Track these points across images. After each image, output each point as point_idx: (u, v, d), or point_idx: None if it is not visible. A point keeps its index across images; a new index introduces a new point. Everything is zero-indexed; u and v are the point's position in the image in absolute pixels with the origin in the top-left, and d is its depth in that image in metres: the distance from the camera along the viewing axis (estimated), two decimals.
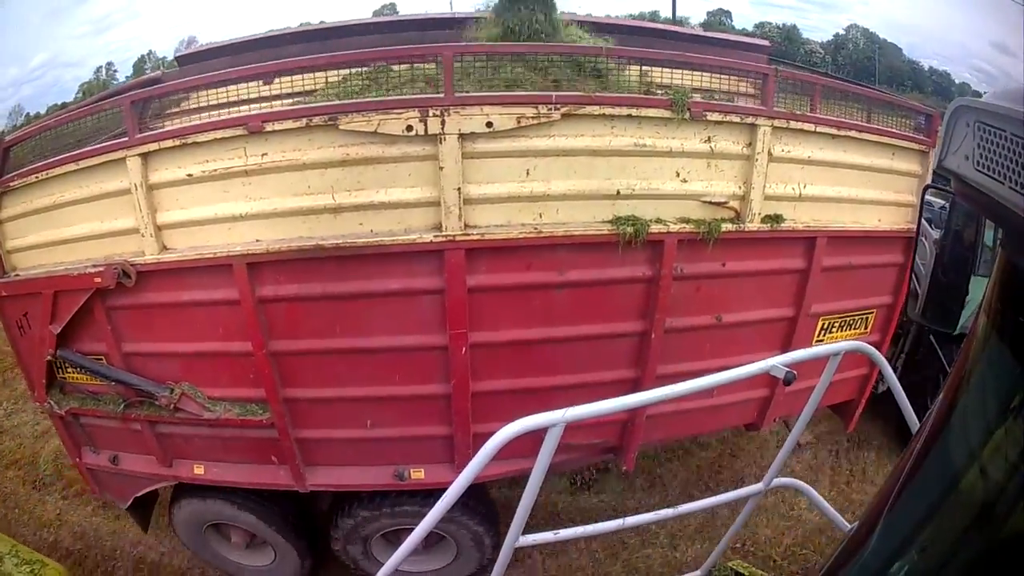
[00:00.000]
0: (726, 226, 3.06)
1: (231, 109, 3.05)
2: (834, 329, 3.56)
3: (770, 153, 3.08)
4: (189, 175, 2.93)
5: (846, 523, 2.47)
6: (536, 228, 2.90)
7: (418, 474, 3.34)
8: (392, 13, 4.34)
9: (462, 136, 2.78)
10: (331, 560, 3.92)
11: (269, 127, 2.82)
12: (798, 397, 3.73)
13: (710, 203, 3.04)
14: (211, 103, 3.26)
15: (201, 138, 2.88)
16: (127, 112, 2.94)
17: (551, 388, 3.13)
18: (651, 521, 2.43)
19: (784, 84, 3.39)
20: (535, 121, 2.80)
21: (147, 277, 3.03)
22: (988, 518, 0.98)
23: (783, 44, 6.36)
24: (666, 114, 2.89)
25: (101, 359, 3.28)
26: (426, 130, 2.76)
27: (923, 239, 4.00)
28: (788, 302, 3.35)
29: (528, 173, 2.88)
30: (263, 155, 2.87)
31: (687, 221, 3.02)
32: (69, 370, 3.37)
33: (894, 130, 3.38)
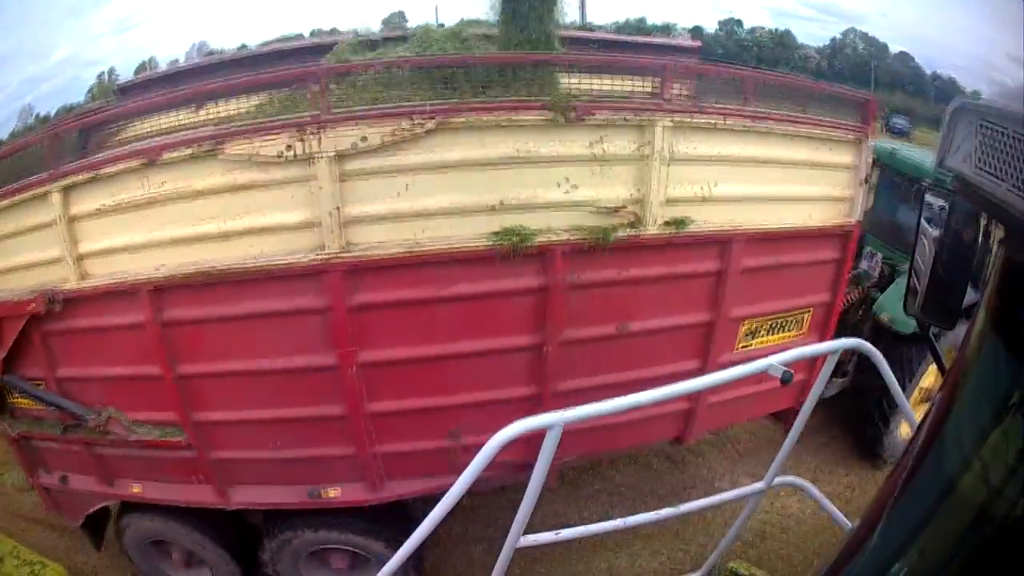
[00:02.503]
0: (623, 232, 2.90)
1: (158, 139, 3.22)
2: (762, 332, 3.30)
3: (671, 152, 2.90)
4: (101, 206, 3.08)
5: (847, 521, 2.40)
6: (416, 244, 2.85)
7: (333, 492, 3.32)
8: (401, 21, 4.45)
9: (339, 155, 2.78)
10: None
11: (165, 157, 2.93)
12: (722, 409, 3.48)
13: (604, 209, 2.90)
14: (143, 133, 3.47)
15: (110, 169, 3.01)
16: (49, 146, 3.13)
17: (449, 407, 3.05)
18: (651, 521, 2.42)
19: (716, 82, 3.24)
20: (408, 133, 2.76)
21: (72, 304, 3.19)
22: (988, 517, 0.98)
23: (775, 49, 6.07)
24: (546, 118, 2.79)
25: (41, 384, 3.48)
26: (302, 151, 2.77)
27: (923, 237, 3.69)
28: (703, 307, 3.14)
29: (407, 188, 2.84)
30: (162, 184, 2.97)
31: (579, 229, 2.88)
32: (15, 395, 3.59)
33: (821, 119, 3.12)
